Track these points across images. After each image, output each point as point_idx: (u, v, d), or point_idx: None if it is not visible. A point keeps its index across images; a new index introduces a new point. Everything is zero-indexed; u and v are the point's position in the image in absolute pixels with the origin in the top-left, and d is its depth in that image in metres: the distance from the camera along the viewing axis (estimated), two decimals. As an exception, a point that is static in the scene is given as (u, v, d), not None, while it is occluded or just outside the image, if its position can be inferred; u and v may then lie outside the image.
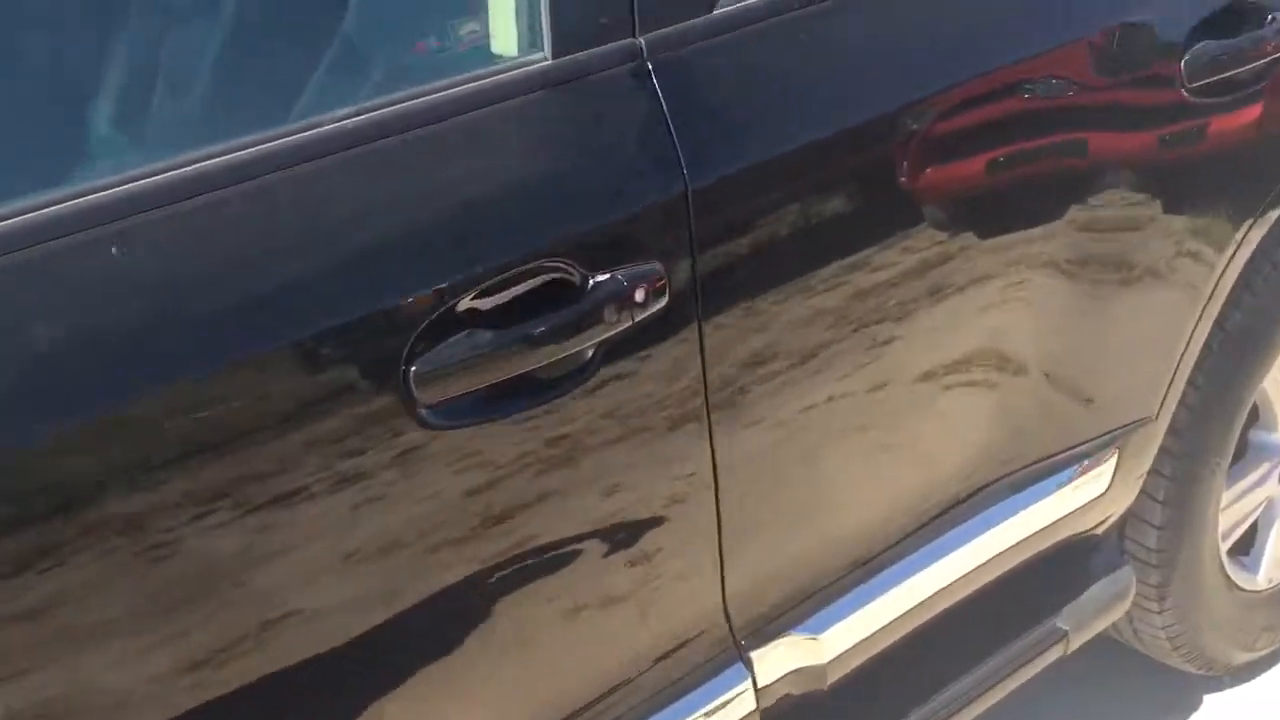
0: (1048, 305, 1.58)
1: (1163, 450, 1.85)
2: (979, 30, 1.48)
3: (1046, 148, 1.52)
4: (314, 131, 1.09)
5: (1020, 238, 1.52)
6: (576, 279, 1.18)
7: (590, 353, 1.20)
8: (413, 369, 1.10)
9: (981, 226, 1.48)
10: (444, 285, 1.11)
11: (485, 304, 1.14)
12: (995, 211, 1.49)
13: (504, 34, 1.25)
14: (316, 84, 1.14)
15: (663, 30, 1.27)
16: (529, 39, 1.23)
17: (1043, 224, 1.53)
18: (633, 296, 1.20)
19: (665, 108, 1.25)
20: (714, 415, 1.31)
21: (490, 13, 1.25)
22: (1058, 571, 1.80)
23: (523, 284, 1.16)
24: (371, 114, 1.11)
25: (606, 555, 1.30)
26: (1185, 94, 1.61)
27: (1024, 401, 1.64)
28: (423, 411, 1.11)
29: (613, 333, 1.20)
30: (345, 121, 1.10)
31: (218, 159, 1.04)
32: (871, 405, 1.46)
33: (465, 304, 1.12)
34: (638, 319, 1.21)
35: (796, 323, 1.33)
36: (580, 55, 1.22)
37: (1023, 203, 1.52)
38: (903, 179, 1.40)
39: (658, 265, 1.22)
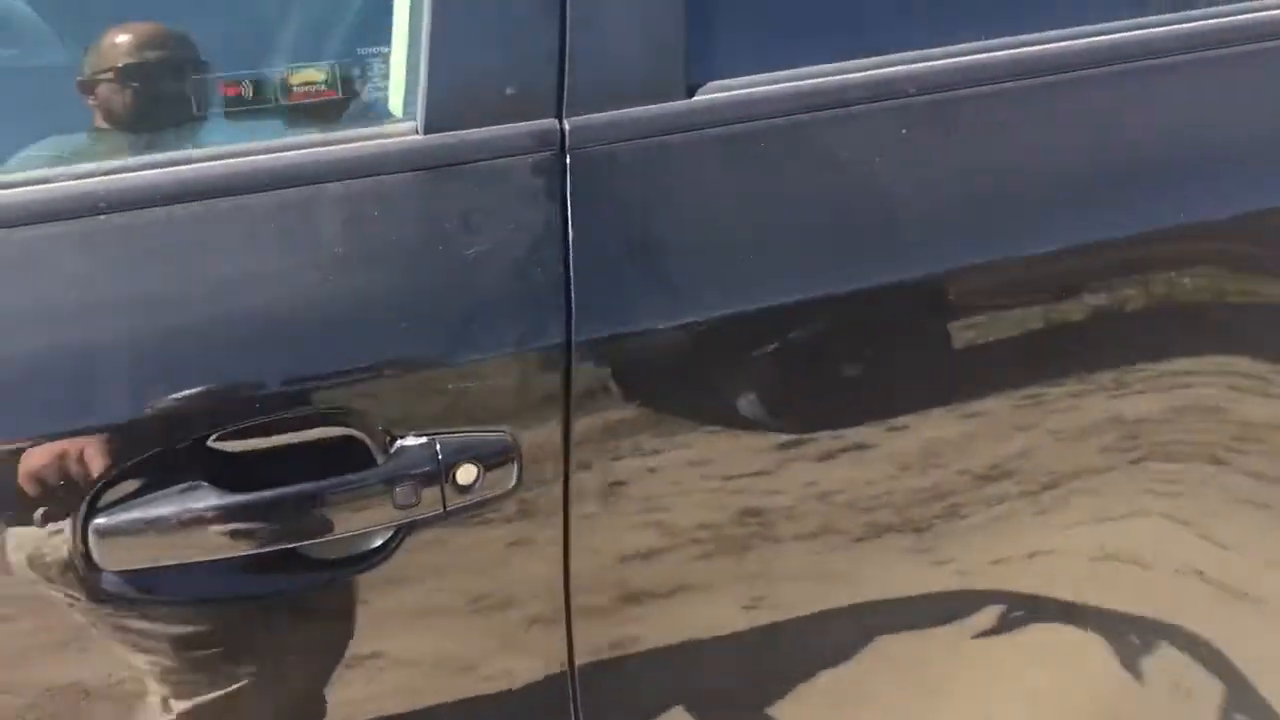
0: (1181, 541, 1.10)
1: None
2: (1054, 187, 1.00)
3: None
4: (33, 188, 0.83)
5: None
6: (372, 439, 0.86)
7: (385, 534, 0.89)
8: (95, 521, 0.83)
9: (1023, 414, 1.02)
10: (164, 418, 0.83)
11: (226, 450, 0.85)
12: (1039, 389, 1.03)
13: (395, 91, 0.94)
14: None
15: (602, 114, 0.91)
16: (409, 103, 0.92)
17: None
18: (452, 476, 0.87)
19: (570, 221, 0.90)
20: (579, 657, 0.96)
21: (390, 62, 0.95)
22: None
23: (281, 435, 0.85)
24: (129, 174, 0.85)
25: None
26: None
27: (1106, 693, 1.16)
28: (107, 575, 0.84)
29: (409, 519, 0.88)
30: (87, 179, 0.84)
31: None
32: (837, 657, 1.05)
33: (193, 449, 0.84)
34: (454, 506, 0.88)
35: (715, 537, 0.95)
36: (464, 133, 0.90)
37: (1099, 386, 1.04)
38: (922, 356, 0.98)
39: (507, 436, 0.89)
